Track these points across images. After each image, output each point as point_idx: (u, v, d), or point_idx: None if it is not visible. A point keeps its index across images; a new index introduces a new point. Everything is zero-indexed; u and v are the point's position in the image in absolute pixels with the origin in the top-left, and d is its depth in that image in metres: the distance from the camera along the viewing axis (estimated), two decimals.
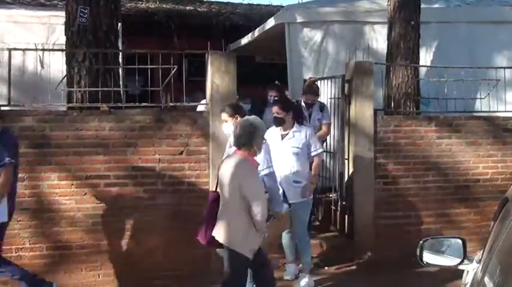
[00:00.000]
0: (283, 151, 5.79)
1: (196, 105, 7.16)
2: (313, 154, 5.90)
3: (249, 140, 4.52)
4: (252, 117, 4.82)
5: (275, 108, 5.88)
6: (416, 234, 6.81)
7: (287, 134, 5.87)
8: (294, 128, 5.88)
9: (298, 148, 5.83)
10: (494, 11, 9.30)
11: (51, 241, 5.79)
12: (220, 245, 4.69)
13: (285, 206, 5.32)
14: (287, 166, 5.79)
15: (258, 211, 4.39)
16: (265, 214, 4.48)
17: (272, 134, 5.79)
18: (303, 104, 6.97)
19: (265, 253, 4.92)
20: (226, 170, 4.55)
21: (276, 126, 5.88)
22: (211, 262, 6.01)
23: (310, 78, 7.68)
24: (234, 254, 4.54)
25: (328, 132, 7.13)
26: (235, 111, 5.47)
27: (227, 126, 5.49)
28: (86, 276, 5.71)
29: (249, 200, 4.40)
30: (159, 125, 6.04)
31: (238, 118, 5.30)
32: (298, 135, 5.87)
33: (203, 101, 6.85)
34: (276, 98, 7.15)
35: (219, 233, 4.62)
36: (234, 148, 4.79)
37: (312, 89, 7.15)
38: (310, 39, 8.71)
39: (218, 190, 4.75)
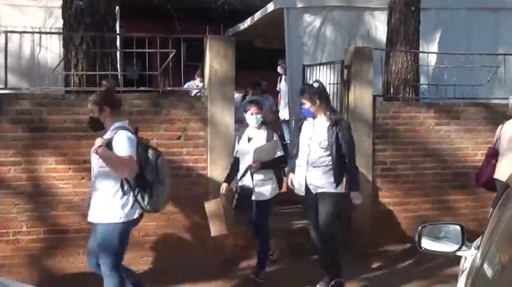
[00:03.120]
0: None
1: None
2: None
3: None
4: None
5: None
6: (414, 220, 6.83)
7: None
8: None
9: None
10: None
11: (48, 224, 5.78)
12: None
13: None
14: None
15: None
16: None
17: None
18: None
19: None
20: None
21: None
22: (209, 246, 6.03)
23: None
24: None
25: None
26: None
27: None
28: (83, 260, 5.67)
29: None
30: (157, 110, 6.01)
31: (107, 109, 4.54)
32: None
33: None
34: None
35: None
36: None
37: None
38: (309, 25, 8.63)
39: (496, 147, 5.92)
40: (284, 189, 5.88)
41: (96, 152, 4.30)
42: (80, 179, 5.78)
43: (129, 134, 4.41)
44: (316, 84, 5.49)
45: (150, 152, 4.54)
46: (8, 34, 6.10)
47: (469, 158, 7.12)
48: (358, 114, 6.75)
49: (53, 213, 5.77)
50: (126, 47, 6.75)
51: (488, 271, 2.32)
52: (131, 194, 4.40)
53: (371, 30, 8.55)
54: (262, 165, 5.58)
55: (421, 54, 7.88)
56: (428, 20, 8.35)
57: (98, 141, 4.31)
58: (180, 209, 6.09)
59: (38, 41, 7.97)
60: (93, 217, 4.51)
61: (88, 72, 6.09)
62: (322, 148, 5.29)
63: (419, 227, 3.05)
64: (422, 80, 8.03)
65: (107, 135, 4.43)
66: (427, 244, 3.01)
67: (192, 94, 7.68)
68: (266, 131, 5.72)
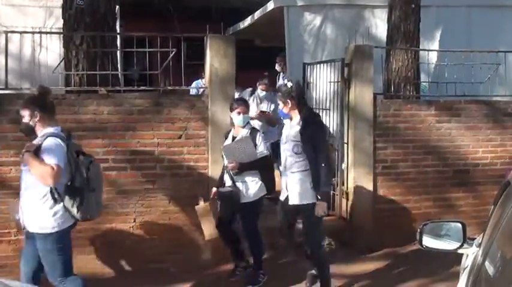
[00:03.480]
0: None
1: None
2: None
3: None
4: None
5: None
6: (415, 218, 6.84)
7: None
8: None
9: None
10: None
11: None
12: None
13: None
14: None
15: None
16: None
17: None
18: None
19: None
20: None
21: None
22: (209, 245, 6.03)
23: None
24: None
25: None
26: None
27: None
28: (84, 260, 5.69)
29: None
30: (157, 109, 6.01)
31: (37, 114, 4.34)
32: None
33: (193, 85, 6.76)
34: None
35: None
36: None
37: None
38: (309, 23, 8.65)
39: None
40: (278, 188, 5.80)
41: (22, 157, 4.19)
42: None
43: (58, 141, 4.22)
44: (289, 84, 5.19)
45: (81, 159, 4.36)
46: (9, 34, 6.10)
47: (470, 156, 7.12)
48: (359, 113, 6.74)
49: None
50: (126, 47, 6.74)
51: (490, 269, 2.32)
52: (61, 202, 4.25)
53: (371, 28, 8.55)
54: (244, 166, 5.40)
55: (421, 52, 7.88)
56: (428, 18, 8.36)
57: (26, 146, 4.21)
58: (181, 208, 6.08)
59: (38, 41, 7.96)
60: (28, 225, 4.36)
61: (88, 72, 6.09)
62: (296, 153, 5.07)
63: (421, 225, 3.05)
64: (423, 77, 8.03)
65: (37, 141, 4.28)
66: (428, 241, 3.01)
67: (199, 92, 7.68)
68: (249, 130, 5.56)
